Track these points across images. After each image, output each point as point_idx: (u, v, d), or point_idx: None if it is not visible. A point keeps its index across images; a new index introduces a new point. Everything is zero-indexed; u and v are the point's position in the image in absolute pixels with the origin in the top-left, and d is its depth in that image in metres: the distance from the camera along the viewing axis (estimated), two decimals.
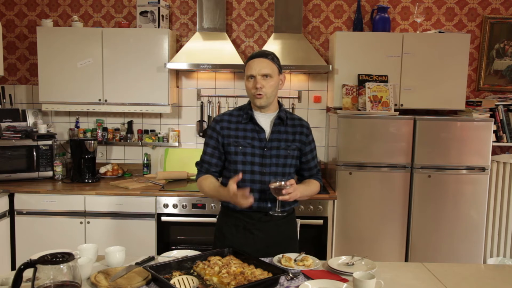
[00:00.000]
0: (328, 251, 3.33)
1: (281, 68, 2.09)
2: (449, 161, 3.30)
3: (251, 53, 3.82)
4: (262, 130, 2.08)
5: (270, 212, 2.04)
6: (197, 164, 2.18)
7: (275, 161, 2.07)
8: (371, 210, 3.33)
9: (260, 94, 2.02)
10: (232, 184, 1.90)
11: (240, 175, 1.95)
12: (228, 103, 3.89)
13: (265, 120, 2.10)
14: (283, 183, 1.92)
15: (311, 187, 2.17)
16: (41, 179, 3.59)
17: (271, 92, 2.03)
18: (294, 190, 1.94)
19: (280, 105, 2.16)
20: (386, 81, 3.43)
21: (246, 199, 1.90)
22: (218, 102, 3.91)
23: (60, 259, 1.44)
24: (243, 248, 2.05)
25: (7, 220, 3.29)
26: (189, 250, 2.04)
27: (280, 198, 1.93)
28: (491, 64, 3.85)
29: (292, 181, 1.95)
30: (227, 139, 2.09)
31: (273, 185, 1.93)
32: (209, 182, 2.10)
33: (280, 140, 2.09)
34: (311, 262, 1.92)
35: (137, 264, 1.86)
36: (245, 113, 2.10)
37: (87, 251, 1.87)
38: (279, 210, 1.99)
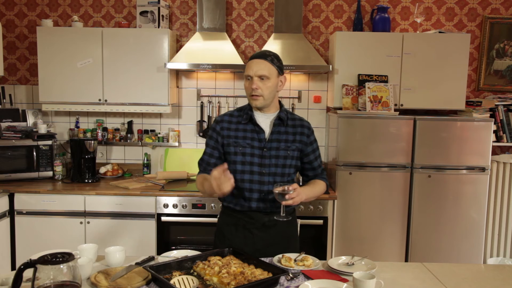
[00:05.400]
0: (328, 251, 3.33)
1: (281, 70, 2.07)
2: (449, 161, 3.30)
3: (251, 53, 3.88)
4: (261, 130, 2.08)
5: (275, 217, 2.02)
6: (198, 163, 2.20)
7: (275, 161, 2.06)
8: (371, 210, 3.33)
9: (256, 95, 2.01)
10: (214, 171, 1.84)
11: (225, 165, 1.87)
12: (228, 103, 3.89)
13: (264, 120, 2.10)
14: (286, 188, 1.90)
15: (317, 188, 2.16)
16: (41, 179, 3.59)
17: (268, 94, 2.02)
18: (298, 195, 1.92)
19: (281, 105, 2.15)
20: (386, 81, 3.43)
21: (218, 183, 1.82)
22: (218, 102, 3.91)
23: (60, 259, 1.44)
24: (243, 248, 2.04)
25: (7, 220, 3.29)
26: (189, 250, 2.04)
27: (284, 203, 1.92)
28: (491, 64, 3.85)
29: (295, 185, 1.93)
30: (227, 139, 2.09)
31: (276, 190, 1.91)
32: (202, 178, 2.07)
33: (280, 140, 2.08)
34: (311, 262, 1.92)
35: (137, 264, 1.86)
36: (245, 114, 2.09)
37: (87, 251, 1.87)
38: (284, 215, 1.97)
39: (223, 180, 1.82)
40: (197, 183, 2.13)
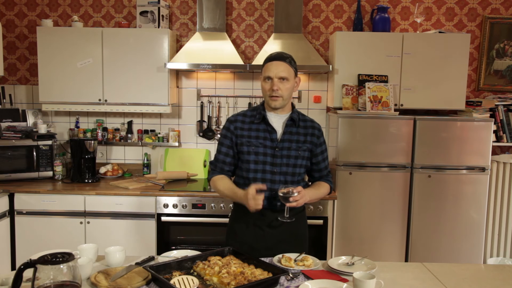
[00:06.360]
0: (328, 251, 3.33)
1: (297, 71, 2.13)
2: (449, 161, 3.30)
3: (251, 53, 3.88)
4: (274, 130, 2.12)
5: (278, 218, 2.06)
6: (211, 163, 2.23)
7: (286, 161, 2.10)
8: (371, 210, 3.33)
9: (276, 96, 2.06)
10: (252, 188, 1.95)
11: (265, 187, 1.99)
12: (228, 103, 3.89)
13: (277, 120, 2.14)
14: (290, 190, 1.95)
15: (321, 190, 2.20)
16: (41, 179, 3.59)
17: (287, 94, 2.08)
18: (302, 197, 1.97)
19: (293, 106, 2.20)
20: (386, 81, 3.43)
21: (256, 203, 1.93)
22: (218, 102, 3.90)
23: (60, 259, 1.44)
24: (254, 245, 2.09)
25: (7, 220, 3.29)
26: (189, 250, 2.04)
27: (288, 205, 1.97)
28: (491, 64, 3.85)
29: (300, 188, 1.98)
30: (240, 139, 2.13)
31: (281, 192, 1.96)
32: (224, 182, 2.15)
33: (292, 141, 2.12)
34: (311, 262, 1.93)
35: (137, 264, 1.86)
36: (258, 114, 2.14)
37: (87, 251, 1.87)
38: (287, 216, 2.01)
39: (260, 201, 1.93)
40: (218, 185, 2.16)
